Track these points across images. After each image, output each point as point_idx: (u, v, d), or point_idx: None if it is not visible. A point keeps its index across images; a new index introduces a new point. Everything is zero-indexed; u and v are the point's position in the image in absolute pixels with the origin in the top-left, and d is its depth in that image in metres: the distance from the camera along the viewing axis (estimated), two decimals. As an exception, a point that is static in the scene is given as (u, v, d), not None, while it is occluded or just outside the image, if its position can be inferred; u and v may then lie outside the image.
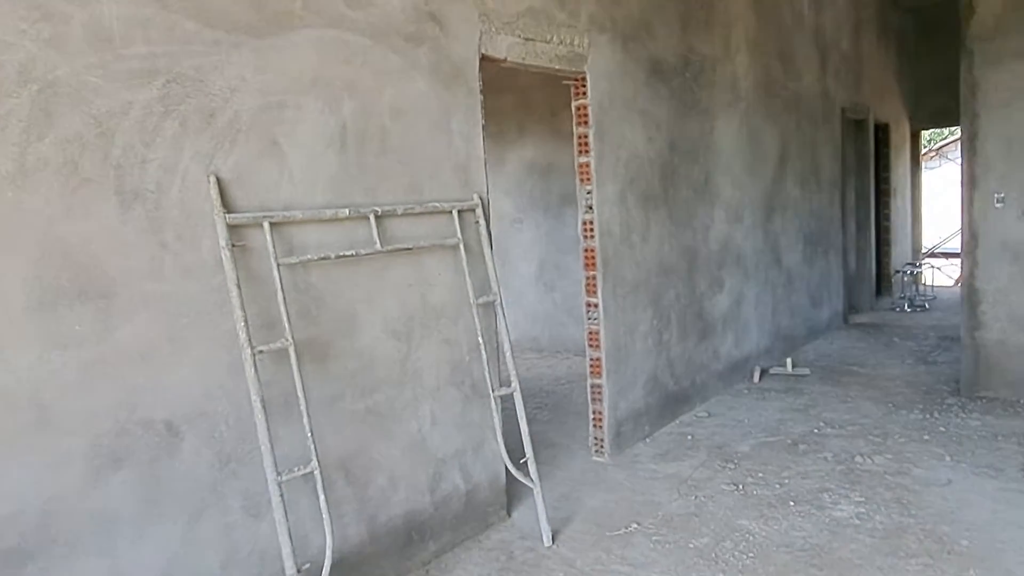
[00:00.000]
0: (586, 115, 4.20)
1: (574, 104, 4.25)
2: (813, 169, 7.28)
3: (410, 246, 3.11)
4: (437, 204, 3.24)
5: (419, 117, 3.20)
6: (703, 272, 5.34)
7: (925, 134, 11.85)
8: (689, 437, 4.74)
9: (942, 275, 11.63)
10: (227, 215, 2.47)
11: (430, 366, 3.28)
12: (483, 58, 3.55)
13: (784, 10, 6.58)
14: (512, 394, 3.51)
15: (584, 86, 4.18)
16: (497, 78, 7.86)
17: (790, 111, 6.70)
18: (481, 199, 3.48)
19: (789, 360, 6.22)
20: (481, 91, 3.53)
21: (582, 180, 4.27)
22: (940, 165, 17.53)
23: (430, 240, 3.23)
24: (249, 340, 2.45)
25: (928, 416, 4.85)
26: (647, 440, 4.72)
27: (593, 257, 4.29)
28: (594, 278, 4.30)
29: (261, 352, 2.51)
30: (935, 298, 9.50)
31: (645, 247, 4.67)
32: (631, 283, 4.55)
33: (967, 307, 5.18)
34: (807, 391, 5.63)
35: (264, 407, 2.47)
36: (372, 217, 2.94)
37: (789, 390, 5.68)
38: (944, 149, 17.34)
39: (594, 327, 4.35)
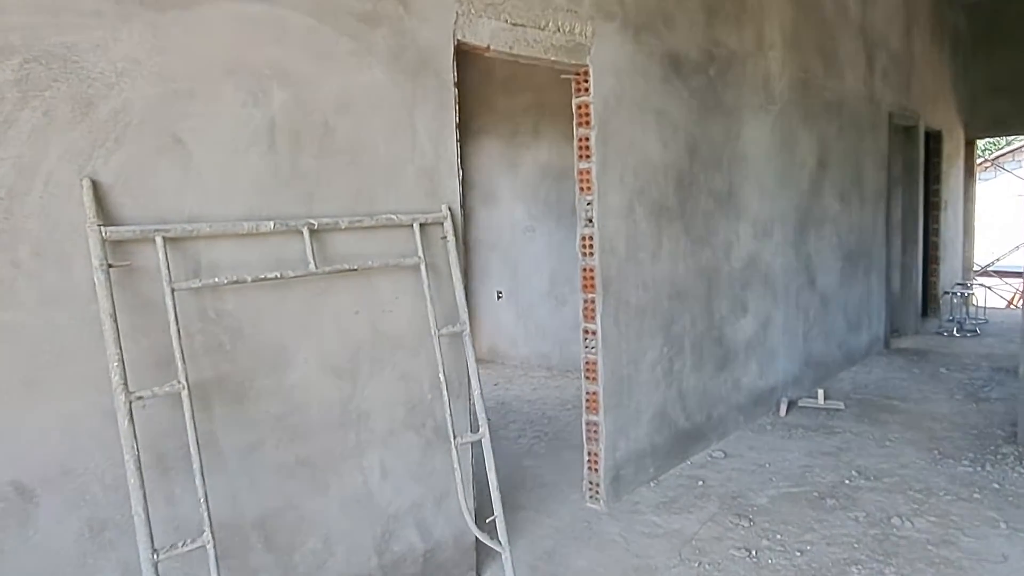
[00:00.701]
0: (588, 115, 3.66)
1: (574, 102, 3.71)
2: (855, 180, 6.62)
3: (356, 266, 2.61)
4: (393, 216, 2.74)
5: (374, 112, 2.70)
6: (724, 294, 4.75)
7: (980, 143, 11.00)
8: (700, 483, 4.16)
9: (995, 296, 10.78)
10: (104, 228, 1.99)
11: (381, 407, 2.78)
12: (460, 45, 3.04)
13: (826, 2, 5.94)
14: (480, 440, 2.98)
15: (587, 81, 3.65)
16: (512, 76, 7.40)
17: (831, 115, 6.06)
18: (451, 211, 2.96)
19: (821, 391, 5.59)
20: (456, 84, 3.02)
21: (582, 189, 3.74)
22: (995, 176, 16.52)
23: (384, 259, 2.73)
24: (124, 384, 1.98)
25: (979, 468, 4.20)
26: (651, 484, 4.16)
27: (592, 278, 3.75)
28: (593, 302, 3.76)
29: (141, 398, 2.03)
30: (987, 322, 8.72)
31: (655, 266, 4.11)
32: (637, 307, 4.00)
33: (1030, 344, 4.51)
34: (840, 430, 5.00)
35: (139, 466, 1.99)
36: (306, 231, 2.45)
37: (819, 428, 5.05)
38: (1000, 159, 16.32)
39: (591, 356, 3.81)
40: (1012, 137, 14.08)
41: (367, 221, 2.64)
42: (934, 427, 4.98)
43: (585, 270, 3.77)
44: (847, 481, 4.11)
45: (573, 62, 3.54)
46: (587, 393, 3.86)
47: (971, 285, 9.32)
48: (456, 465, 2.87)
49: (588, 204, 3.71)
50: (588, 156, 3.68)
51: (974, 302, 9.09)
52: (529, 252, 7.18)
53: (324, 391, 2.59)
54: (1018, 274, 11.61)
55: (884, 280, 7.44)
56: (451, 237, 2.93)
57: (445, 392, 2.85)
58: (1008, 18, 9.46)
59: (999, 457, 4.34)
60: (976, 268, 10.98)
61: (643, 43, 3.94)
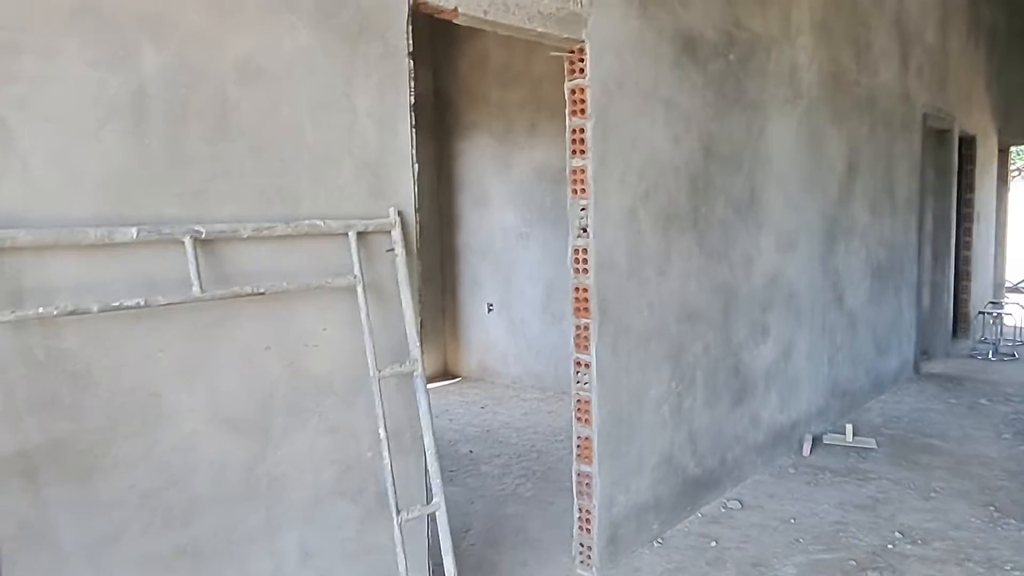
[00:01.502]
0: (584, 101, 3.01)
1: (567, 85, 3.06)
2: (887, 187, 5.94)
3: (264, 289, 1.96)
4: (319, 223, 2.08)
5: (296, 86, 2.06)
6: (742, 316, 4.08)
7: (1013, 150, 10.29)
8: (713, 543, 3.49)
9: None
10: None
11: (303, 470, 2.13)
12: (418, 7, 2.39)
13: (860, -13, 5.28)
14: (435, 513, 2.32)
15: (582, 61, 2.99)
16: (506, 67, 6.76)
17: (862, 113, 5.39)
18: (403, 216, 2.31)
19: (849, 427, 4.91)
20: (411, 55, 2.37)
21: (575, 191, 3.08)
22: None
23: (306, 278, 2.08)
24: None
25: (1048, 533, 3.51)
26: (655, 543, 3.49)
27: (586, 299, 3.09)
28: (586, 328, 3.10)
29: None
30: (1023, 343, 8.01)
31: (663, 284, 3.45)
32: (641, 333, 3.34)
33: (1104, 381, 3.82)
34: (874, 475, 4.31)
35: None
36: (189, 241, 1.80)
37: (850, 472, 4.37)
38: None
39: (584, 394, 3.14)
40: (1042, 145, 13.34)
41: (281, 228, 1.99)
42: (985, 475, 4.29)
43: (578, 290, 3.11)
44: (890, 546, 3.43)
45: (566, 36, 2.88)
46: (578, 438, 3.19)
47: (1004, 304, 8.62)
48: (400, 548, 2.20)
49: (582, 210, 3.05)
50: (583, 151, 3.03)
51: (1010, 322, 8.38)
52: (523, 261, 6.53)
53: (219, 452, 1.94)
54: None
55: (915, 298, 6.75)
56: (401, 250, 2.27)
57: (386, 451, 2.19)
58: (1047, 16, 8.78)
59: (1069, 518, 3.66)
60: (1007, 285, 10.26)
61: (652, 18, 3.29)
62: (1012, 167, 10.97)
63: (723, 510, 3.86)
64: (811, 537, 3.53)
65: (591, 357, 3.10)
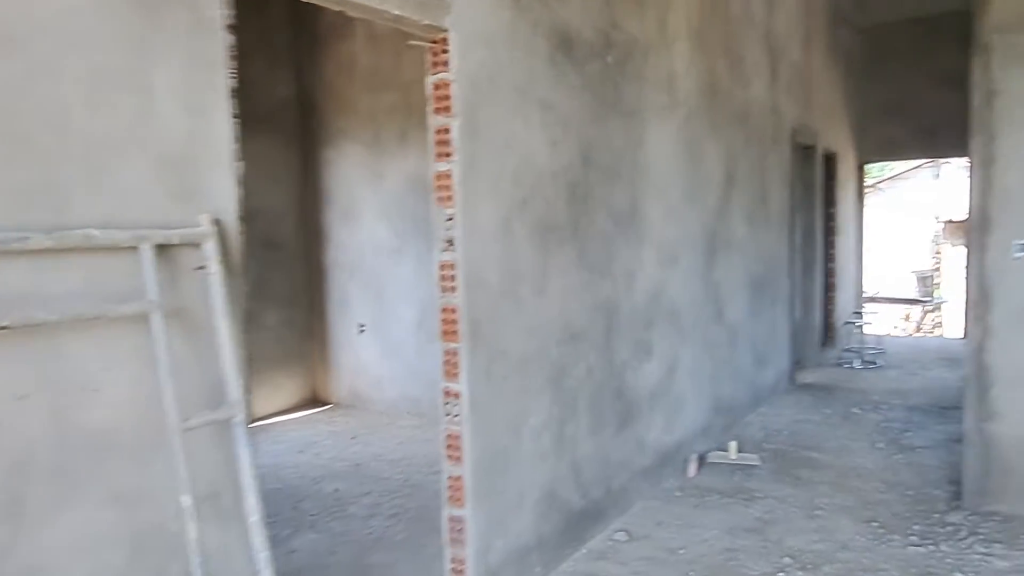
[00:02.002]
0: (449, 98, 2.66)
1: (430, 80, 2.70)
2: (761, 199, 5.96)
3: (8, 323, 1.46)
4: (96, 233, 1.61)
5: (62, 56, 1.58)
6: (626, 335, 3.85)
7: (867, 167, 10.85)
8: (600, 583, 3.20)
9: (884, 322, 10.62)
10: None
11: (76, 556, 1.62)
12: (239, -31, 1.96)
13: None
14: (263, 594, 1.87)
15: (446, 52, 2.64)
16: (375, 71, 6.33)
17: (738, 125, 5.36)
18: (220, 226, 1.86)
19: (733, 444, 4.79)
20: (231, 28, 1.93)
21: (440, 199, 2.72)
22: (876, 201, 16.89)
23: (79, 305, 1.59)
24: None
25: (932, 547, 3.45)
26: (538, 589, 3.15)
27: (455, 321, 2.72)
28: (456, 353, 2.73)
29: None
30: (884, 351, 8.36)
31: (542, 303, 3.14)
32: (518, 357, 3.01)
33: (975, 390, 3.85)
34: (760, 493, 4.18)
35: None
36: None
37: (736, 492, 4.22)
38: (880, 185, 16.71)
39: (454, 428, 2.77)
40: (892, 163, 14.33)
41: (37, 241, 1.50)
42: (865, 488, 4.25)
43: (446, 310, 2.74)
44: (781, 573, 3.25)
45: (427, 22, 2.53)
46: (449, 478, 2.81)
47: (867, 314, 9.00)
48: (213, 646, 1.74)
49: (448, 220, 2.69)
50: (448, 154, 2.67)
51: (872, 331, 8.75)
52: (396, 278, 6.09)
53: (-58, 549, 1.42)
54: (907, 301, 11.61)
55: (789, 310, 6.85)
56: (218, 267, 1.82)
57: (192, 521, 1.72)
58: (898, 45, 9.30)
59: (950, 530, 3.62)
60: (866, 295, 10.80)
61: (525, 9, 2.99)
62: (867, 183, 11.59)
63: (610, 543, 3.59)
64: (701, 568, 3.31)
65: (462, 385, 2.73)
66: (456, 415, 2.75)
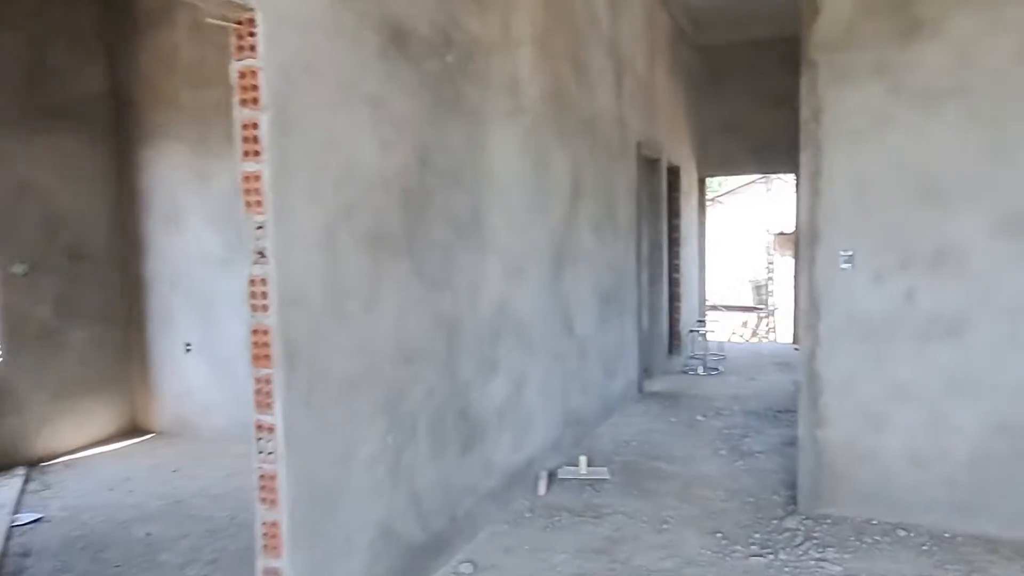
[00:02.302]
0: (257, 88, 2.32)
1: (234, 66, 2.35)
2: (609, 210, 5.98)
3: None
4: None
5: None
6: (469, 351, 3.63)
7: (708, 180, 11.37)
8: (441, 624, 2.94)
9: (725, 329, 11.16)
10: None
11: None
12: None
13: (578, 5, 5.21)
14: None
15: (252, 35, 2.30)
16: (199, 63, 5.70)
17: (584, 135, 5.32)
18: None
19: (583, 458, 4.70)
20: None
21: (248, 204, 2.37)
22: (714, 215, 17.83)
23: None
24: None
25: (771, 557, 3.46)
26: (373, 637, 2.84)
27: (267, 344, 2.38)
28: (269, 381, 2.39)
29: None
30: (725, 358, 8.72)
31: (373, 320, 2.85)
32: (345, 381, 2.70)
33: (807, 398, 3.96)
34: (609, 509, 4.09)
35: None
36: None
37: (586, 509, 4.11)
38: (718, 199, 17.68)
39: (268, 467, 2.42)
40: (730, 177, 15.16)
41: None
42: (709, 497, 4.27)
43: (256, 332, 2.40)
44: (629, 597, 3.14)
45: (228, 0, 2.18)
46: (263, 524, 2.45)
47: (709, 321, 9.37)
48: None
49: (258, 228, 2.35)
50: (256, 153, 2.33)
51: (713, 338, 9.11)
52: (227, 292, 5.55)
53: None
54: (745, 308, 12.27)
55: (637, 320, 6.94)
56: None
57: None
58: (734, 64, 9.81)
59: (787, 536, 3.67)
60: (709, 304, 11.29)
61: (349, -4, 2.70)
62: (707, 197, 12.15)
63: (454, 577, 3.34)
64: (549, 599, 3.13)
65: (276, 418, 2.39)
66: (270, 452, 2.40)
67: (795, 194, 10.21)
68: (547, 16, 4.60)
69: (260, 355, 2.39)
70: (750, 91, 9.72)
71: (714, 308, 11.88)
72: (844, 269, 3.81)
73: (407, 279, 3.07)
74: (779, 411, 6.21)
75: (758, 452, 5.09)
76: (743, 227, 14.90)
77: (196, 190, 5.62)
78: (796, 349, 9.35)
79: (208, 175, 5.54)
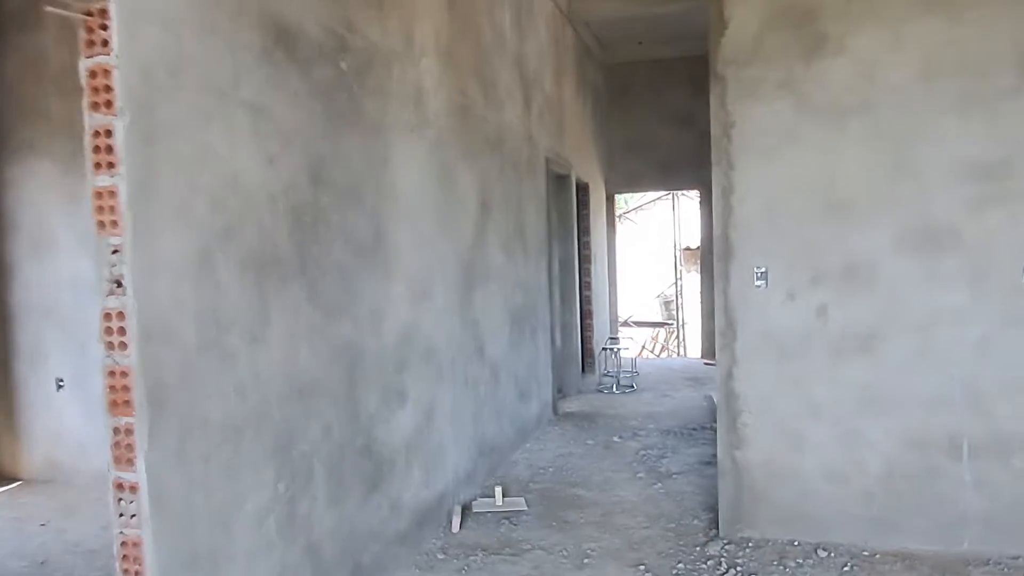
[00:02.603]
0: (111, 90, 1.99)
1: (84, 64, 2.02)
2: (518, 228, 5.81)
3: None
4: None
5: None
6: (373, 382, 3.34)
7: (617, 197, 11.43)
8: None
9: (636, 345, 11.20)
10: None
11: None
12: None
13: (483, 20, 5.04)
14: None
15: (105, 29, 1.98)
16: (71, 70, 5.21)
17: (492, 151, 5.14)
18: None
19: (499, 489, 4.47)
20: None
21: (101, 225, 2.04)
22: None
23: None
24: None
25: (696, 588, 3.33)
26: None
27: (126, 388, 2.03)
28: (130, 431, 2.04)
29: None
30: (638, 374, 8.69)
31: (260, 354, 2.53)
32: (227, 426, 2.37)
33: (725, 418, 3.86)
34: (527, 544, 3.86)
35: None
36: None
37: (503, 545, 3.86)
38: (624, 215, 17.91)
39: (131, 534, 2.06)
40: (637, 193, 15.37)
41: None
42: (630, 525, 4.11)
43: (114, 374, 2.05)
44: (550, 644, 2.91)
45: (73, -14, 1.86)
46: (126, 601, 2.08)
47: (620, 338, 9.35)
48: None
49: (114, 253, 2.02)
50: (111, 165, 2.00)
51: (626, 355, 9.08)
52: (103, 323, 5.02)
53: None
54: (654, 324, 12.38)
55: (550, 340, 6.79)
56: None
57: None
58: (640, 83, 9.91)
59: (711, 565, 3.54)
60: (620, 320, 11.32)
61: (226, -9, 2.41)
62: (616, 213, 12.22)
63: (359, 634, 3.02)
64: (464, 652, 2.87)
65: (139, 475, 2.04)
66: (132, 516, 2.05)
67: (700, 211, 10.43)
68: (452, 28, 4.40)
69: (118, 401, 2.04)
70: (656, 110, 9.84)
71: (625, 324, 11.93)
72: (758, 287, 3.75)
73: (300, 306, 2.77)
74: (694, 429, 6.16)
75: (676, 473, 4.99)
76: (651, 243, 15.13)
77: (68, 212, 5.09)
78: (707, 364, 9.50)
79: (81, 195, 5.00)
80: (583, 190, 8.67)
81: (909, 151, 3.56)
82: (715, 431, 6.00)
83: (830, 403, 3.70)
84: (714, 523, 4.00)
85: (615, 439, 5.95)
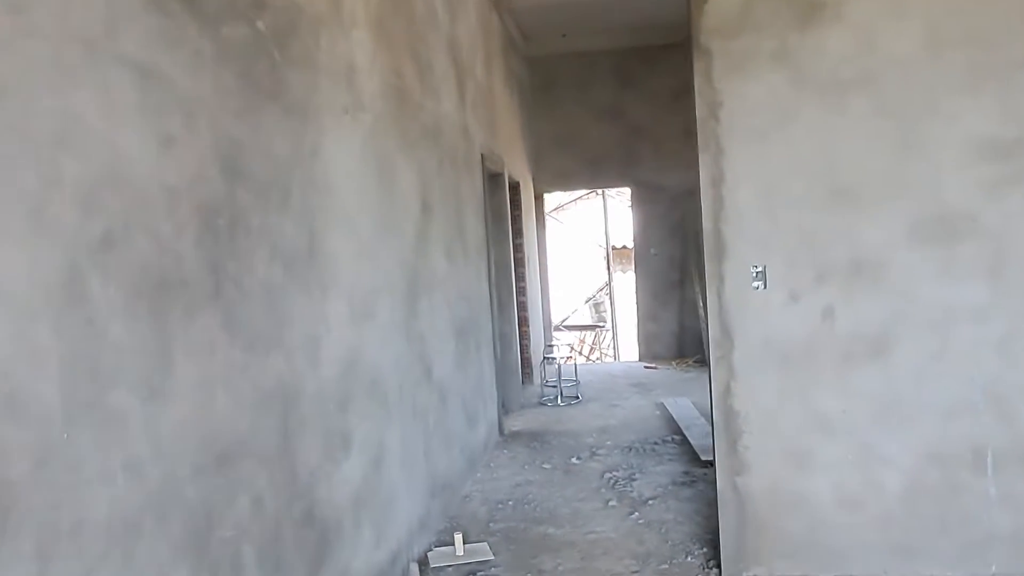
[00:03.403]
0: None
1: None
2: (459, 231, 5.18)
3: None
4: None
5: None
6: (313, 428, 2.64)
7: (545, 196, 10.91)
8: None
9: (572, 351, 10.74)
10: None
11: None
12: None
13: (415, -7, 4.39)
14: None
15: None
16: None
17: (430, 143, 4.49)
18: None
19: (459, 536, 3.82)
20: None
21: None
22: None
23: None
24: None
25: (714, 651, 2.79)
26: None
27: (-56, 494, 1.28)
28: (-46, 561, 1.29)
29: None
30: (579, 382, 8.17)
31: (161, 413, 1.81)
32: (116, 524, 1.64)
33: (724, 441, 3.36)
34: (501, 606, 3.24)
35: None
36: None
37: (473, 610, 3.23)
38: (553, 213, 17.45)
39: None
40: (567, 192, 14.90)
41: None
42: (617, 570, 3.54)
43: (-78, 474, 1.29)
44: None
45: None
46: None
47: (557, 344, 8.84)
48: None
49: (-87, 281, 1.26)
50: (-98, 140, 1.25)
51: (564, 363, 8.57)
52: None
53: None
54: (587, 327, 11.97)
55: (493, 353, 6.18)
56: None
57: None
58: (564, 77, 9.45)
59: (724, 618, 3.02)
60: (554, 325, 10.82)
61: (91, -102, 1.68)
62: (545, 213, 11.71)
63: None
64: None
65: (-27, 629, 1.29)
66: None
67: (632, 209, 10.06)
68: (382, -5, 3.73)
69: (-68, 516, 1.29)
70: (583, 104, 9.39)
71: (559, 329, 11.45)
72: (756, 287, 3.27)
73: (215, 341, 2.05)
74: (656, 443, 5.69)
75: (651, 499, 4.47)
76: (580, 243, 14.73)
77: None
78: (647, 368, 9.12)
79: None
80: (514, 188, 8.11)
81: (917, 129, 3.15)
82: (677, 444, 5.62)
83: (840, 417, 3.26)
84: (711, 559, 3.51)
85: (573, 461, 5.39)
